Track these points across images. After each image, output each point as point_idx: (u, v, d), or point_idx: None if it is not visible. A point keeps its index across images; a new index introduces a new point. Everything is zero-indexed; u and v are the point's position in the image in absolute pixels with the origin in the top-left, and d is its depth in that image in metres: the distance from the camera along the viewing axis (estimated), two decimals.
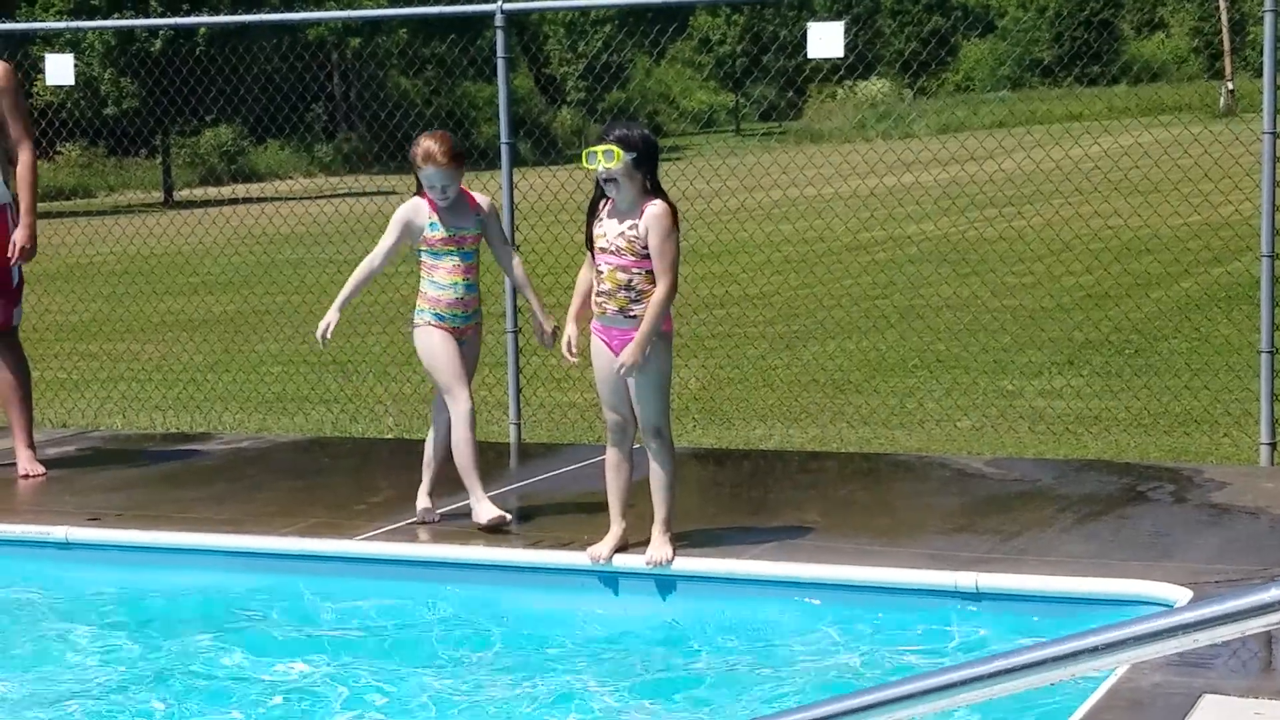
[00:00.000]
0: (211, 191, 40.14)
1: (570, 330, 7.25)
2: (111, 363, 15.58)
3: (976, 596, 6.70)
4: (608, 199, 7.10)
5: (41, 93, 45.01)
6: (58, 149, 45.03)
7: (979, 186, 16.52)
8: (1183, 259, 16.08)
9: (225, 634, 7.10)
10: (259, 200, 25.08)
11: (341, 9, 38.04)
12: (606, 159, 6.95)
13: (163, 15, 39.32)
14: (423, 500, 7.92)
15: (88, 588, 7.79)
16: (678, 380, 12.89)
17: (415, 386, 12.58)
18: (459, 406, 7.70)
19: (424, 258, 7.74)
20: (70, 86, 10.96)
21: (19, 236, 9.22)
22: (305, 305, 15.92)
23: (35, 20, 36.19)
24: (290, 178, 41.18)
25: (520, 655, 6.79)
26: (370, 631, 7.13)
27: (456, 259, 7.72)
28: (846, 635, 6.70)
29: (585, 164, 7.06)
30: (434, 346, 7.73)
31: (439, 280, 7.72)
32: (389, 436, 11.35)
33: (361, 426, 11.97)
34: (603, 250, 7.05)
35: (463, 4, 10.85)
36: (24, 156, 9.29)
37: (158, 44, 41.84)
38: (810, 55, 9.43)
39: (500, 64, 10.04)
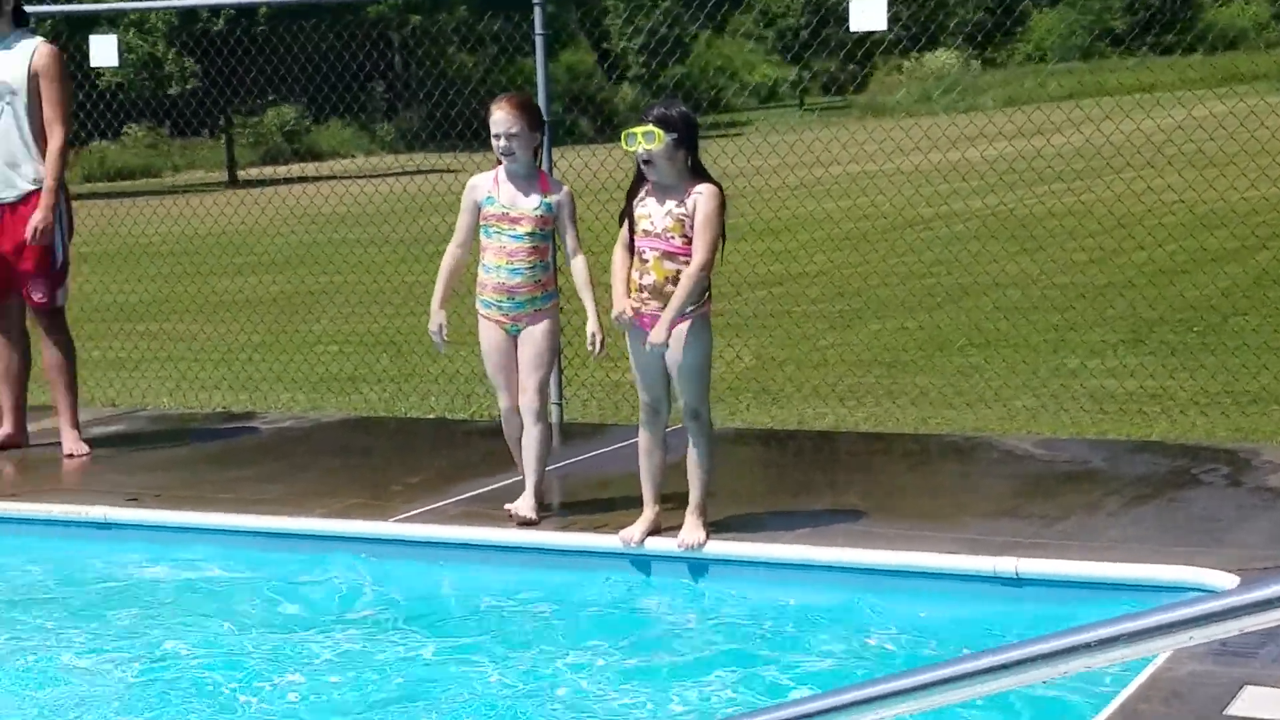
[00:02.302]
0: (273, 170, 40.20)
1: (624, 303, 6.99)
2: (168, 342, 15.60)
3: (1017, 582, 6.57)
4: (647, 181, 6.99)
5: (107, 74, 45.41)
6: (124, 129, 45.34)
7: (1046, 160, 16.30)
8: (1260, 233, 15.73)
9: (257, 614, 7.07)
10: (319, 179, 25.15)
11: None
12: (647, 140, 6.84)
13: None
14: (524, 503, 7.53)
15: (124, 568, 7.76)
16: (732, 358, 12.79)
17: (469, 365, 12.50)
18: (500, 404, 7.61)
19: (480, 235, 7.53)
20: (116, 67, 10.91)
21: (35, 217, 9.18)
22: (360, 285, 15.90)
23: (99, 2, 36.23)
24: (351, 156, 41.23)
25: (546, 637, 6.70)
26: (400, 611, 7.05)
27: (506, 239, 7.41)
28: (881, 622, 6.57)
29: (624, 146, 6.95)
30: (481, 341, 7.56)
31: (486, 261, 7.48)
32: (431, 416, 11.27)
33: (409, 406, 11.89)
34: (646, 234, 6.93)
35: None
36: (54, 140, 9.27)
37: (220, 23, 41.93)
38: (852, 28, 9.29)
39: (538, 40, 9.95)
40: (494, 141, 7.38)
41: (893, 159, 18.53)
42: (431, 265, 7.95)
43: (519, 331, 7.48)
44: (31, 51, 9.28)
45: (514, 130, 7.34)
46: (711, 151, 14.69)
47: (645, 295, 6.95)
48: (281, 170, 38.45)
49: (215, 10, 42.25)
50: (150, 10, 41.81)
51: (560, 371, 10.14)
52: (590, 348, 7.38)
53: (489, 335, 7.51)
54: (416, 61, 41.17)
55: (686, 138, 6.91)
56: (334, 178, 24.25)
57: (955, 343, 13.43)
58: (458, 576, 7.34)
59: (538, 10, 9.91)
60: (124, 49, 49.01)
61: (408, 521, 7.60)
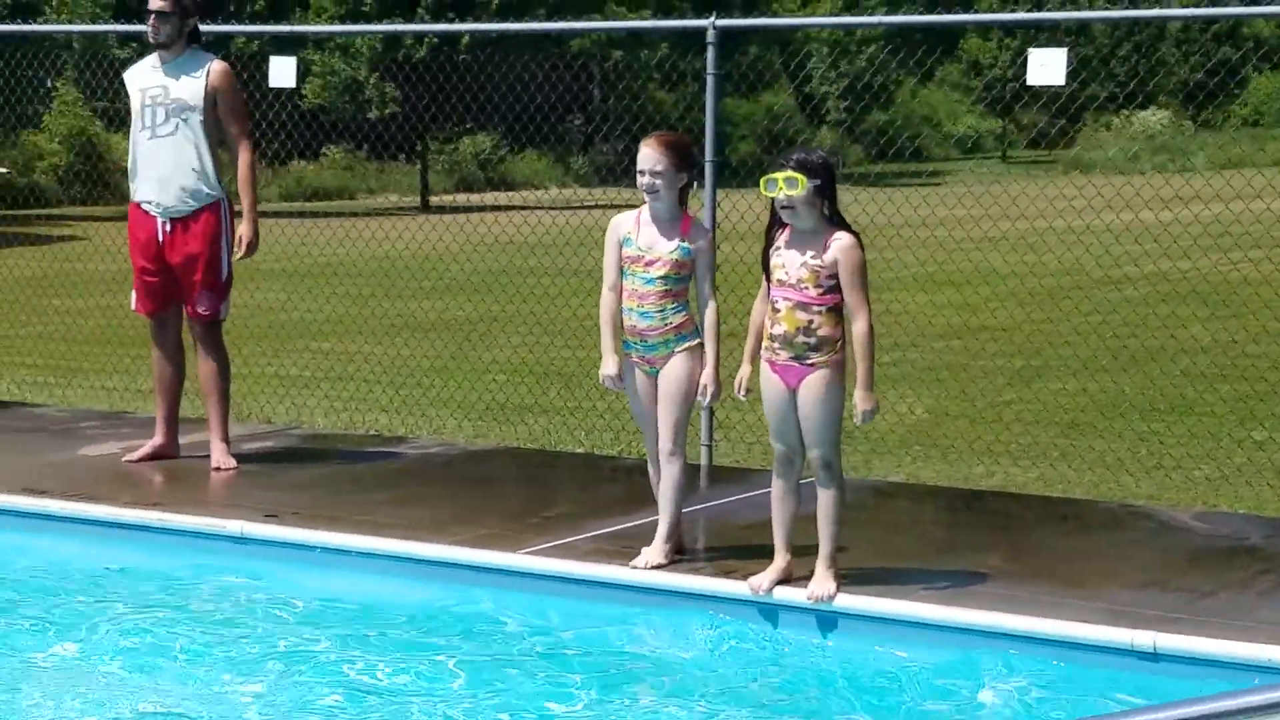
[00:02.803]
0: (466, 198, 40.57)
1: (745, 371, 7.01)
2: (343, 361, 15.68)
3: (1154, 657, 6.32)
4: (783, 227, 6.83)
5: (310, 96, 46.24)
6: (323, 150, 46.10)
7: (1251, 225, 15.79)
8: None
9: (380, 638, 7.03)
10: (511, 208, 25.26)
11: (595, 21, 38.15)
12: (789, 186, 6.72)
13: (429, 21, 39.76)
14: (654, 550, 7.37)
15: (257, 583, 7.78)
16: (904, 410, 12.51)
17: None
18: (647, 448, 7.52)
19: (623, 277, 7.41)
20: (292, 89, 10.97)
21: (244, 231, 9.36)
22: (541, 314, 15.83)
23: (308, 24, 36.91)
24: (544, 188, 41.46)
25: (668, 682, 6.58)
26: (517, 646, 6.98)
27: (639, 281, 7.28)
28: (1008, 688, 6.37)
29: (764, 191, 6.83)
30: (628, 384, 7.44)
31: (624, 303, 7.36)
32: (579, 451, 11.13)
33: (573, 439, 11.77)
34: (780, 284, 6.81)
35: (678, 19, 10.63)
36: (243, 156, 9.43)
37: (422, 50, 42.40)
38: (1030, 82, 9.05)
39: (709, 80, 9.82)
40: (639, 178, 7.25)
41: (1095, 216, 18.12)
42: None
43: (657, 373, 7.35)
44: (208, 70, 9.40)
45: (659, 168, 7.20)
46: (912, 200, 14.53)
47: (776, 345, 6.84)
48: (475, 198, 38.78)
49: (419, 37, 42.75)
50: (356, 35, 42.49)
51: (712, 413, 9.94)
52: (700, 397, 7.28)
53: (634, 377, 7.41)
54: (615, 96, 41.32)
55: (826, 184, 6.79)
56: (525, 207, 24.31)
57: (1138, 407, 13.01)
58: (575, 612, 7.23)
59: (710, 49, 9.77)
60: (328, 72, 49.94)
61: (535, 554, 7.50)
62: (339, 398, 13.43)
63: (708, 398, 7.24)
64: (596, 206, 19.04)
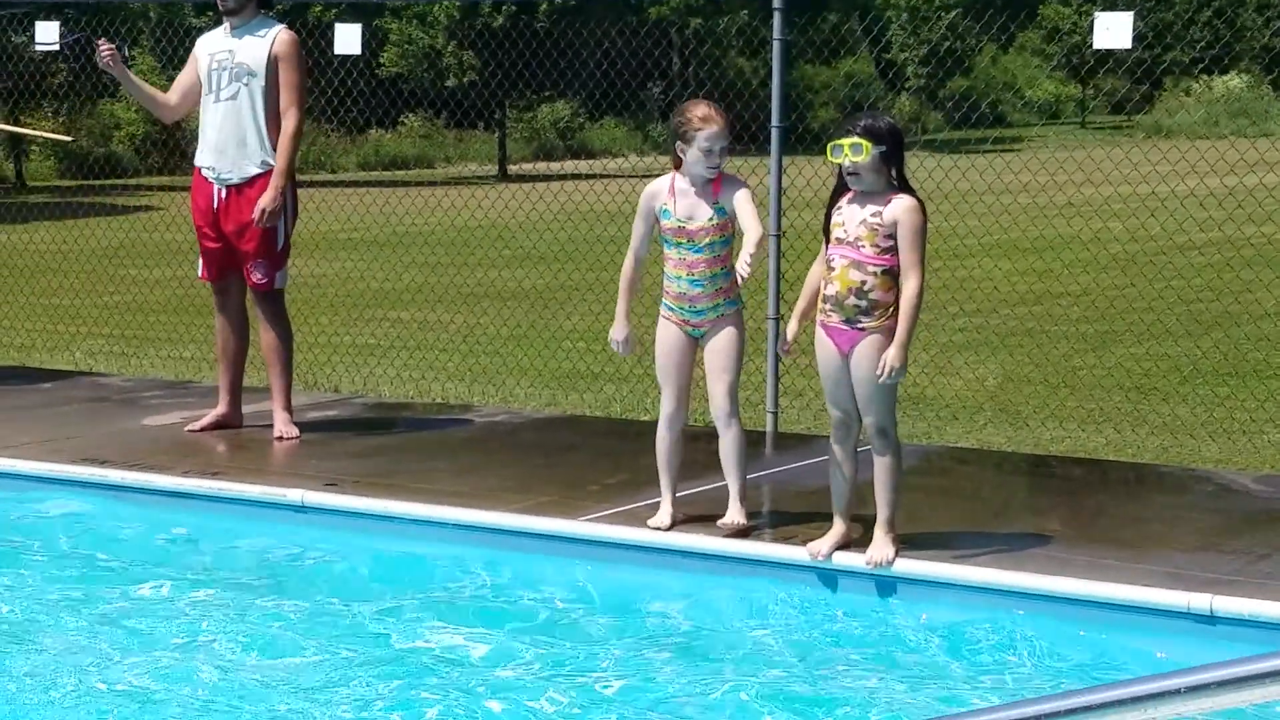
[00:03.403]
0: (544, 166, 40.54)
1: (792, 327, 6.99)
2: (420, 330, 15.75)
3: (1211, 619, 6.29)
4: (848, 191, 6.81)
5: (388, 64, 46.36)
6: (401, 119, 46.20)
7: None
8: None
9: (436, 605, 7.06)
10: (590, 176, 25.20)
11: None
12: (854, 152, 6.70)
13: None
14: (732, 512, 7.38)
15: (317, 551, 7.83)
16: (975, 377, 12.47)
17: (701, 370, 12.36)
18: (662, 407, 7.46)
19: (661, 243, 7.39)
20: (358, 55, 11.00)
21: (264, 199, 9.29)
22: (615, 282, 15.80)
23: None
24: (624, 155, 41.41)
25: (727, 648, 6.58)
26: (573, 613, 7.00)
27: (685, 250, 7.24)
28: (1065, 652, 6.35)
29: (830, 157, 6.80)
30: (657, 339, 7.42)
31: (668, 270, 7.34)
32: (645, 418, 11.15)
33: (647, 405, 11.79)
34: (839, 241, 6.79)
35: None
36: (288, 124, 9.38)
37: (500, 19, 42.43)
38: (1096, 45, 9.00)
39: (775, 45, 9.78)
40: (704, 155, 7.12)
41: (1172, 181, 17.96)
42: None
43: (701, 335, 7.32)
44: (274, 37, 9.41)
45: (725, 145, 7.16)
46: (993, 166, 14.45)
47: (828, 307, 6.82)
48: (554, 166, 38.78)
49: (497, 5, 42.75)
50: (433, 2, 42.45)
51: (778, 380, 9.93)
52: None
53: (668, 333, 7.37)
54: (696, 63, 41.23)
55: (893, 151, 6.76)
56: (603, 176, 24.29)
57: (1207, 372, 12.91)
58: (634, 579, 7.25)
59: (777, 15, 9.73)
60: (405, 40, 49.87)
61: (594, 521, 7.52)
62: (414, 366, 13.50)
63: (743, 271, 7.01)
64: (665, 173, 19.02)
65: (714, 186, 7.22)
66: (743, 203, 7.14)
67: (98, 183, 35.26)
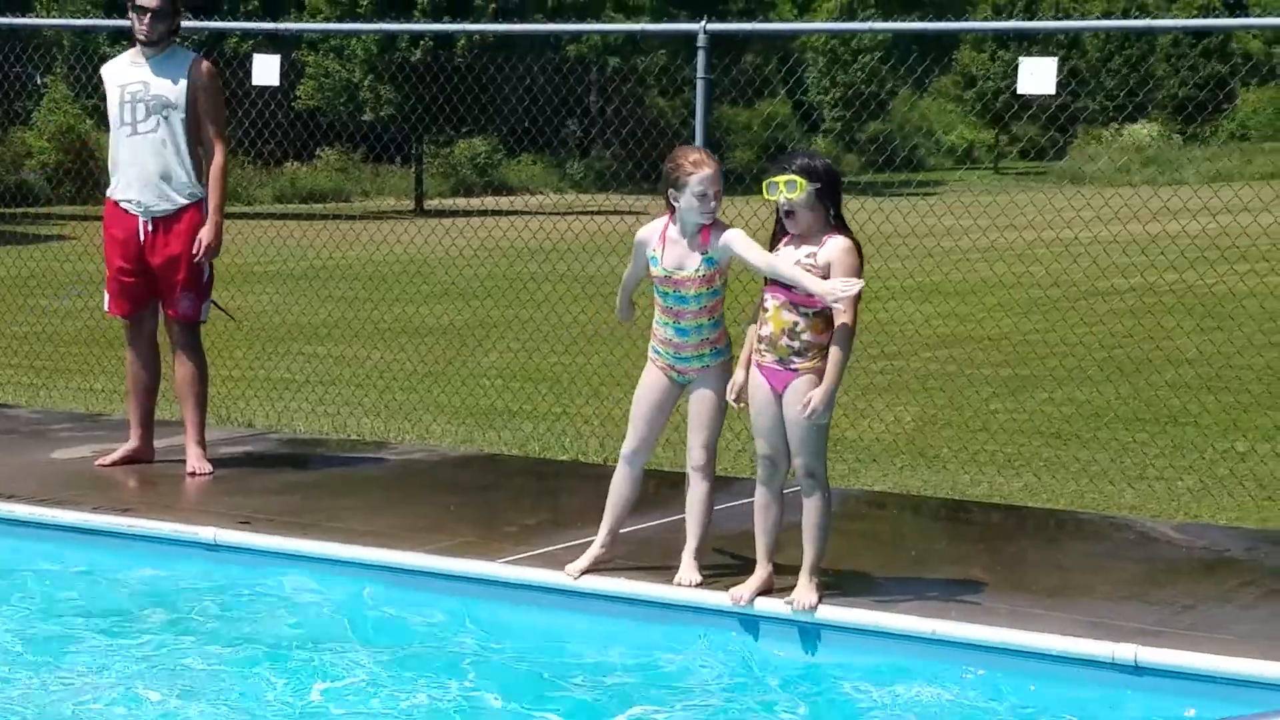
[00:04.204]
0: (462, 202, 40.44)
1: (739, 376, 6.95)
2: (336, 365, 15.61)
3: (1136, 670, 6.25)
4: (786, 231, 6.77)
5: (304, 97, 46.12)
6: (317, 152, 45.97)
7: (1233, 239, 15.72)
8: None
9: (349, 647, 6.95)
10: (507, 213, 25.17)
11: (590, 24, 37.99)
12: (789, 190, 6.66)
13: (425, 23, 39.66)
14: (686, 569, 7.20)
15: (230, 590, 7.69)
16: (891, 419, 12.47)
17: (625, 409, 12.31)
18: (625, 443, 7.35)
19: (653, 288, 7.27)
20: (275, 87, 10.88)
21: (205, 234, 9.25)
22: (534, 319, 15.77)
23: (305, 23, 36.74)
24: (541, 192, 41.36)
25: (647, 693, 6.51)
26: (488, 656, 6.91)
27: (673, 301, 7.10)
28: (989, 702, 6.30)
29: (765, 195, 6.74)
30: (641, 380, 7.30)
31: (656, 316, 7.21)
32: (563, 457, 11.09)
33: (561, 445, 11.72)
34: (772, 283, 6.72)
35: (669, 23, 10.60)
36: (217, 157, 9.31)
37: (418, 53, 42.28)
38: (1020, 91, 8.99)
39: (700, 84, 9.76)
40: (699, 200, 6.95)
41: (1087, 228, 18.09)
42: (606, 304, 7.75)
43: (686, 383, 7.22)
44: (190, 68, 9.30)
45: (720, 188, 7.01)
46: (904, 210, 14.49)
47: (763, 347, 6.78)
48: (472, 202, 38.67)
49: (415, 40, 42.59)
50: (350, 35, 42.26)
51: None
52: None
53: (652, 376, 7.25)
54: (612, 102, 41.31)
55: (829, 190, 6.72)
56: (521, 213, 24.23)
57: (1124, 418, 12.98)
58: (550, 623, 7.16)
59: (701, 54, 9.71)
60: (322, 74, 49.61)
61: (511, 564, 7.42)
62: (329, 401, 13.38)
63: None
64: (592, 212, 19.03)
65: (703, 235, 7.03)
66: (739, 245, 6.93)
67: (8, 210, 34.84)
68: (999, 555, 7.89)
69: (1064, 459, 11.44)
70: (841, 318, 6.66)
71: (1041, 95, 9.06)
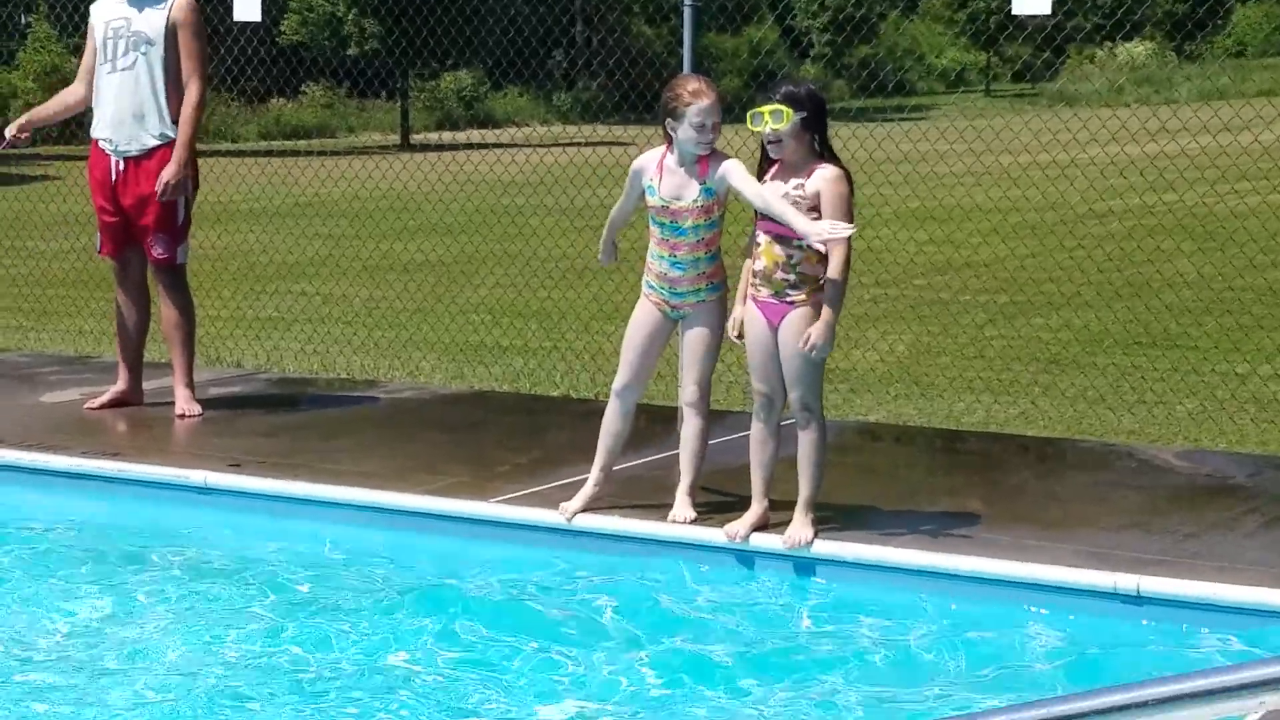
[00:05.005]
0: (448, 136, 40.21)
1: (738, 312, 6.86)
2: (324, 303, 15.50)
3: (1138, 600, 6.18)
4: (773, 163, 6.65)
5: (288, 32, 45.83)
6: (302, 88, 45.68)
7: (1239, 158, 15.60)
8: None
9: (342, 590, 6.85)
10: (494, 146, 24.97)
11: None
12: (774, 120, 6.55)
13: None
14: (680, 507, 7.12)
15: (221, 534, 7.60)
16: (885, 348, 12.38)
17: (617, 343, 12.21)
18: (616, 378, 7.23)
19: (649, 219, 7.14)
20: (257, 22, 10.68)
21: (166, 172, 9.04)
22: (523, 253, 15.65)
23: None
24: (527, 125, 41.13)
25: (644, 630, 6.42)
26: (483, 595, 6.79)
27: (668, 231, 6.97)
28: (988, 636, 6.20)
29: (750, 125, 6.64)
30: (634, 314, 7.15)
31: (651, 248, 7.07)
32: (555, 394, 10.99)
33: (553, 380, 11.63)
34: (762, 217, 6.62)
35: None
36: (190, 95, 9.13)
37: None
38: (1015, 11, 8.82)
39: (686, 11, 9.57)
40: (697, 131, 6.80)
41: (1081, 149, 17.96)
42: (596, 237, 7.56)
43: (681, 318, 7.09)
44: (171, 3, 9.13)
45: (719, 119, 6.87)
46: (894, 135, 14.36)
47: (758, 282, 6.69)
48: (458, 136, 38.47)
49: None
50: None
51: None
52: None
53: (645, 310, 7.11)
54: (597, 32, 41.03)
55: (815, 118, 6.61)
56: (508, 145, 24.05)
57: (1121, 342, 12.88)
58: (548, 562, 7.07)
59: None
60: (305, 8, 49.20)
61: (503, 503, 7.34)
62: (318, 339, 13.27)
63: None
64: (578, 143, 18.88)
65: (702, 166, 6.91)
66: (736, 177, 6.81)
67: None
68: (997, 486, 7.81)
69: (1061, 385, 11.36)
70: (836, 249, 6.55)
71: (1038, 15, 8.89)
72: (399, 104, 44.07)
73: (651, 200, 7.00)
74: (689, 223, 6.92)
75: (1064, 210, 19.38)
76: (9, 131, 9.29)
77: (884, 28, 51.99)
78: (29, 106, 41.42)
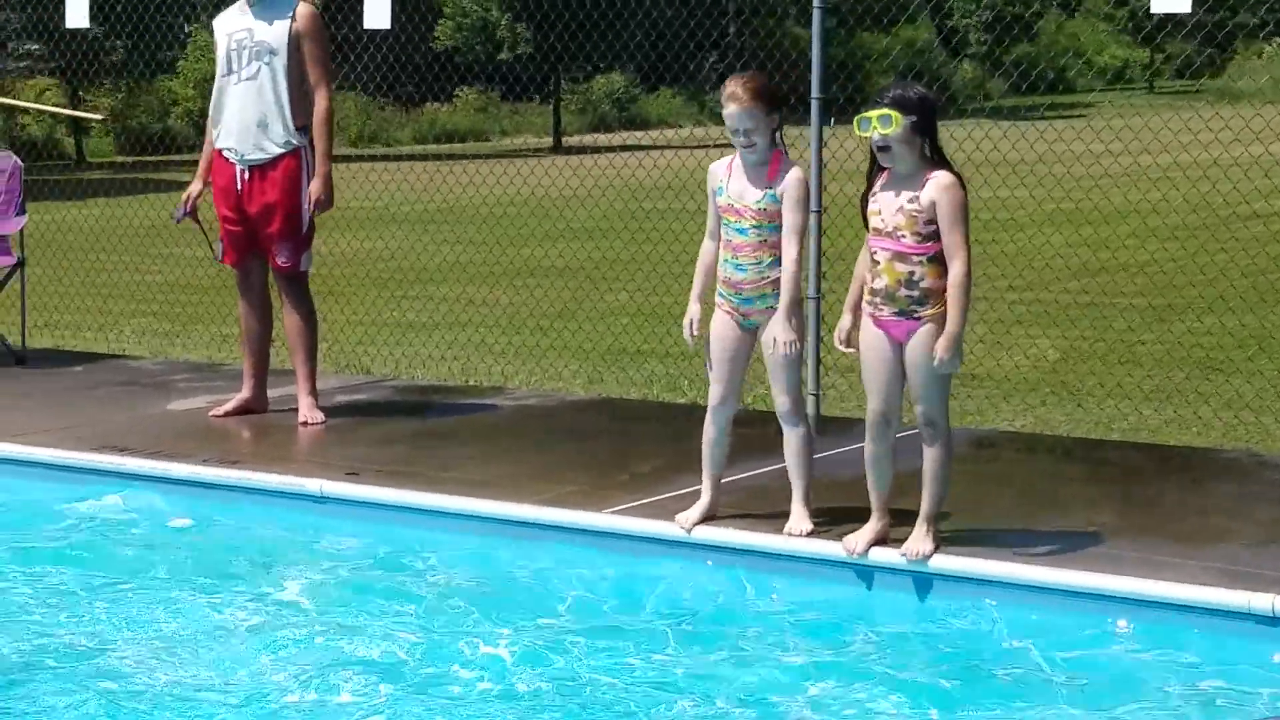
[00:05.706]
0: (601, 138, 40.21)
1: (845, 322, 6.65)
2: (466, 308, 15.48)
3: (1274, 621, 5.89)
4: (883, 170, 6.45)
5: (442, 38, 46.18)
6: (456, 92, 46.01)
7: None
8: None
9: (447, 601, 6.79)
10: (645, 148, 24.86)
11: None
12: (882, 124, 6.33)
13: None
14: (796, 518, 6.97)
15: (335, 544, 7.56)
16: (1035, 352, 12.08)
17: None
18: (709, 397, 7.07)
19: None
20: (387, 30, 10.61)
21: (314, 188, 9.06)
22: (668, 255, 15.50)
23: None
24: (679, 126, 41.04)
25: (760, 645, 6.30)
26: (592, 609, 6.71)
27: (732, 232, 6.81)
28: (1111, 654, 5.98)
29: (858, 131, 6.43)
30: (711, 326, 6.97)
31: (721, 253, 6.91)
32: (682, 401, 10.81)
33: (683, 386, 11.47)
34: (878, 232, 6.42)
35: None
36: (320, 103, 9.11)
37: None
38: (1154, 10, 8.52)
39: (815, 13, 9.38)
40: (731, 136, 6.76)
41: (1243, 148, 17.46)
42: None
43: (754, 326, 6.91)
44: (292, 11, 9.11)
45: (750, 125, 6.69)
46: (1048, 136, 14.03)
47: (879, 300, 6.47)
48: (611, 138, 38.44)
49: None
50: None
51: (818, 362, 9.54)
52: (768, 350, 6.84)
53: (719, 321, 6.95)
54: (751, 32, 40.81)
55: (925, 121, 6.38)
56: (659, 147, 23.94)
57: (1272, 349, 12.45)
58: (658, 576, 6.94)
59: None
60: (459, 13, 49.70)
61: (619, 514, 7.20)
62: (457, 344, 13.22)
63: (784, 349, 6.79)
64: (723, 145, 18.71)
65: (771, 168, 6.78)
66: (789, 199, 6.71)
67: (153, 159, 35.16)
68: (1133, 498, 7.53)
69: (1217, 389, 11.00)
70: (956, 261, 6.32)
71: (1178, 13, 8.58)
72: (551, 107, 44.24)
73: (720, 200, 6.87)
74: (749, 223, 6.77)
75: (1217, 210, 18.88)
76: (177, 214, 9.32)
77: (1042, 25, 51.37)
78: (189, 113, 42.12)
